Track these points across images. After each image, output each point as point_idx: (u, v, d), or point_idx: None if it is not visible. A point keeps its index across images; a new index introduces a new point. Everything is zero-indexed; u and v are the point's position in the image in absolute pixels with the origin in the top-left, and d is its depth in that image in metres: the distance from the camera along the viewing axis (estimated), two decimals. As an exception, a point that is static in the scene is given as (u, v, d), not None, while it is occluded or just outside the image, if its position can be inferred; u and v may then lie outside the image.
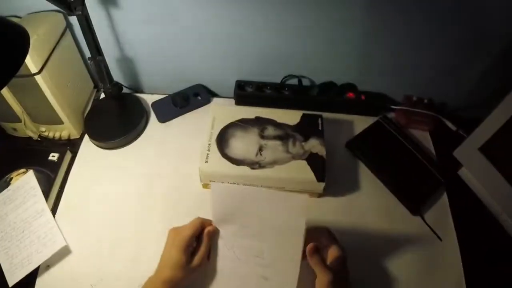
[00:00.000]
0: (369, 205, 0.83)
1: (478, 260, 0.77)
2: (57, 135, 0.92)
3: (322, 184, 0.78)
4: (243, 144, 0.81)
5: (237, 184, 0.78)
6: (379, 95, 0.98)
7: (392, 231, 0.80)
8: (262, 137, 0.82)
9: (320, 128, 0.84)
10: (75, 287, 0.73)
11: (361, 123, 0.95)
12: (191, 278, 0.65)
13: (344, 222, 0.80)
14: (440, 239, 0.79)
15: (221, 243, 0.68)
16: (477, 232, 0.81)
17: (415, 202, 0.82)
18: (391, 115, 0.96)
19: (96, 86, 1.04)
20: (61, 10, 0.73)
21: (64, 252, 0.75)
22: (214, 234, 0.68)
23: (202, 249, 0.66)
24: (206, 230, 0.67)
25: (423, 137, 0.94)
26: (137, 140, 0.93)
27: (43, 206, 0.79)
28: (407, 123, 0.94)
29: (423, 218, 0.81)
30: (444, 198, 0.85)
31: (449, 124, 0.93)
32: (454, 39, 0.84)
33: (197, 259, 0.65)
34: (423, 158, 0.88)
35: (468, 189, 0.86)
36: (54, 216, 0.79)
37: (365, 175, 0.88)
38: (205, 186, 0.84)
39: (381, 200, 0.84)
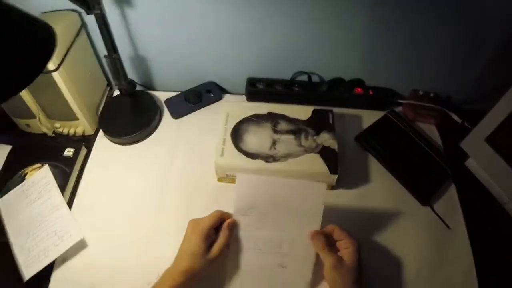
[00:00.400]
0: (379, 197, 0.85)
1: (487, 249, 0.79)
2: (71, 131, 0.93)
3: (335, 176, 0.80)
4: (257, 138, 0.83)
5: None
6: (387, 90, 1.01)
7: (403, 222, 0.82)
8: (275, 131, 0.84)
9: (331, 122, 0.86)
10: (91, 280, 0.74)
11: (369, 117, 0.97)
12: (209, 269, 0.66)
13: (356, 213, 0.83)
14: (449, 227, 0.81)
15: (240, 235, 0.70)
16: (485, 221, 0.83)
17: (424, 193, 0.84)
18: (399, 109, 0.98)
19: (109, 84, 1.06)
20: (78, 8, 0.75)
21: (80, 246, 0.77)
22: (234, 226, 0.70)
23: (221, 239, 0.67)
24: (226, 222, 0.69)
25: (430, 130, 0.96)
26: (151, 136, 0.95)
27: (59, 200, 0.81)
28: (414, 116, 0.96)
29: (432, 208, 0.83)
30: (452, 188, 0.86)
31: (455, 117, 0.95)
32: (456, 35, 0.86)
33: (215, 249, 0.66)
34: (431, 150, 0.90)
35: (475, 180, 0.87)
36: (70, 210, 0.81)
37: (375, 167, 0.90)
38: (220, 180, 0.86)
39: (391, 192, 0.86)
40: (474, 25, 0.84)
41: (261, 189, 0.69)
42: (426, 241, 0.79)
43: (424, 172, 0.87)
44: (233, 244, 0.70)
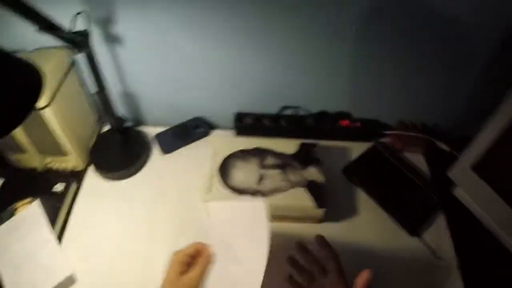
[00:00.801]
0: (368, 229, 0.85)
1: (478, 278, 0.78)
2: (62, 166, 0.94)
3: (322, 211, 0.80)
4: (244, 174, 0.84)
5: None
6: (373, 121, 1.02)
7: (392, 254, 0.81)
8: (263, 166, 0.85)
9: (317, 156, 0.87)
10: None
11: (356, 149, 0.97)
12: None
13: (344, 246, 0.78)
14: (437, 257, 0.80)
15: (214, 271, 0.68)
16: (476, 251, 0.83)
17: (413, 224, 0.84)
18: (386, 139, 0.99)
19: (100, 119, 1.07)
20: (68, 46, 0.76)
21: (69, 282, 0.76)
22: (210, 260, 0.68)
23: (195, 269, 0.66)
24: (203, 256, 0.68)
25: (418, 159, 0.97)
26: (141, 171, 0.96)
27: (49, 235, 0.81)
28: (401, 146, 0.97)
29: (421, 239, 0.83)
30: (441, 218, 0.86)
31: (442, 146, 0.96)
32: (440, 65, 0.88)
33: (186, 276, 0.65)
34: (418, 180, 0.90)
35: (465, 208, 0.87)
36: (60, 245, 0.81)
37: (363, 199, 0.90)
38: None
39: (380, 224, 0.86)
40: (456, 55, 0.85)
41: (235, 218, 0.69)
42: (416, 273, 0.79)
43: (412, 203, 0.87)
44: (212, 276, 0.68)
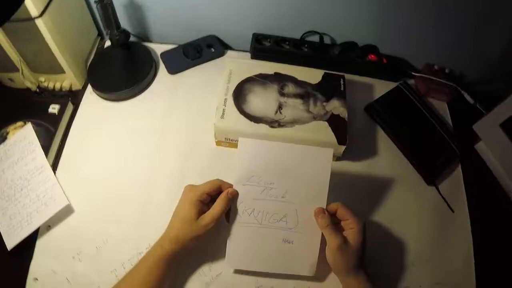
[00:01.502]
0: (385, 172, 0.81)
1: (487, 235, 0.77)
2: (57, 85, 0.85)
3: (343, 147, 0.75)
4: (262, 100, 0.77)
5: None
6: (401, 60, 0.95)
7: (406, 200, 0.79)
8: (282, 94, 0.78)
9: (342, 88, 0.80)
10: (78, 249, 0.69)
11: (380, 87, 0.91)
12: (198, 237, 0.61)
13: (360, 187, 0.79)
14: (453, 211, 0.78)
15: (241, 207, 0.64)
16: (488, 208, 0.81)
17: (431, 173, 0.81)
18: (411, 81, 0.93)
19: (100, 34, 0.97)
20: None
21: (66, 212, 0.71)
22: (234, 196, 0.64)
23: (216, 208, 0.62)
24: (225, 191, 0.63)
25: (441, 107, 0.92)
26: (144, 92, 0.87)
27: (43, 162, 0.74)
28: (426, 91, 0.91)
29: (438, 189, 0.80)
30: (459, 170, 0.84)
31: (467, 97, 0.90)
32: (477, 12, 0.81)
33: (207, 217, 0.61)
34: (441, 128, 0.85)
35: (483, 164, 0.85)
36: (55, 173, 0.74)
37: (383, 140, 0.85)
38: (219, 143, 0.80)
39: (398, 168, 0.82)
40: (494, 4, 0.78)
41: (265, 155, 0.64)
42: (428, 221, 0.77)
43: (432, 150, 0.83)
44: (232, 216, 0.65)
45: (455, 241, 0.75)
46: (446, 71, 0.92)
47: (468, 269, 0.73)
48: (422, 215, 0.77)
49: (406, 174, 0.82)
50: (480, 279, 0.72)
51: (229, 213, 0.64)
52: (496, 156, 0.82)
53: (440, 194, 0.80)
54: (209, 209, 0.62)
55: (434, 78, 0.91)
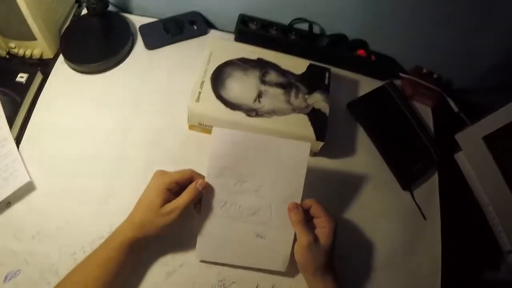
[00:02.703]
0: (362, 172, 0.79)
1: (456, 246, 0.76)
2: (28, 52, 0.79)
3: (321, 143, 0.72)
4: (241, 86, 0.73)
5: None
6: (390, 59, 0.92)
7: (380, 201, 0.77)
8: (263, 82, 0.74)
9: (326, 82, 0.77)
10: (38, 229, 0.65)
11: (366, 84, 0.88)
12: (161, 226, 0.58)
13: (335, 185, 0.77)
14: (425, 218, 0.78)
15: (213, 200, 0.62)
16: (460, 219, 0.80)
17: (407, 177, 0.80)
18: (398, 82, 0.90)
19: (78, 1, 0.90)
20: None
21: (27, 189, 0.67)
22: (203, 188, 0.60)
23: (182, 199, 0.59)
24: (195, 181, 0.60)
25: (425, 112, 0.90)
26: (118, 66, 0.82)
27: (6, 134, 0.69)
28: (412, 94, 0.89)
29: (412, 195, 0.79)
30: (435, 178, 0.82)
31: (452, 105, 0.88)
32: (473, 22, 0.79)
33: (170, 206, 0.58)
34: (422, 133, 0.84)
35: (460, 174, 0.83)
36: (18, 147, 0.70)
37: (363, 139, 0.83)
38: (192, 127, 0.76)
39: (374, 169, 0.80)
40: (490, 16, 0.76)
41: (240, 147, 0.60)
42: (400, 226, 0.76)
43: (411, 155, 0.81)
44: (204, 208, 0.62)
45: (424, 249, 0.75)
46: (435, 76, 0.90)
47: (434, 279, 0.72)
48: (394, 219, 0.77)
49: (382, 176, 0.80)
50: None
51: (201, 205, 0.62)
52: (475, 168, 0.81)
53: (414, 200, 0.78)
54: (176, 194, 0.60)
55: (422, 82, 0.88)
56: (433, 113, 0.90)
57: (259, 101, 0.72)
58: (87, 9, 0.80)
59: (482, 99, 0.89)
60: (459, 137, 0.81)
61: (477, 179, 0.81)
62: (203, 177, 0.62)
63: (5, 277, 0.61)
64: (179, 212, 0.58)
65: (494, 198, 0.79)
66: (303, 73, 0.76)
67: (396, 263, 0.72)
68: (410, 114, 0.85)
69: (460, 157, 0.83)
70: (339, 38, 0.86)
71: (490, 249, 0.81)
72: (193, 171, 0.62)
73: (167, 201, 0.59)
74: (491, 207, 0.80)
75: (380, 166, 0.81)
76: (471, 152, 0.81)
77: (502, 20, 0.77)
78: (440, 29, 0.82)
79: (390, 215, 0.76)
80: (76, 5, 0.90)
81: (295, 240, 0.62)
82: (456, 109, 0.87)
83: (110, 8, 0.84)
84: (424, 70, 0.90)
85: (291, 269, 0.66)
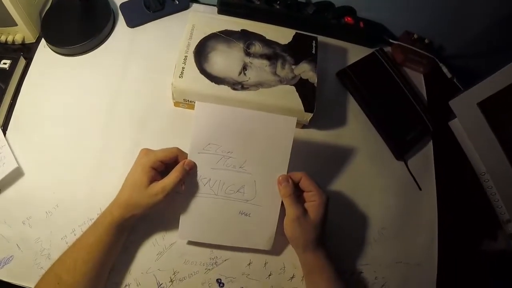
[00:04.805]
0: (353, 143, 0.78)
1: (453, 215, 0.76)
2: (9, 38, 0.77)
3: (310, 115, 0.70)
4: (225, 60, 0.70)
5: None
6: (378, 25, 0.89)
7: (373, 173, 0.76)
8: (248, 54, 0.71)
9: (313, 51, 0.74)
10: (28, 214, 0.65)
11: (355, 52, 0.86)
12: (148, 205, 0.57)
13: (325, 156, 0.76)
14: (420, 188, 0.76)
15: (196, 177, 0.60)
16: (456, 186, 0.79)
17: (400, 147, 0.78)
18: (388, 49, 0.88)
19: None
20: None
21: (16, 175, 0.67)
22: (190, 168, 0.59)
23: (169, 179, 0.58)
24: (182, 161, 0.59)
25: (417, 78, 0.88)
26: (101, 46, 0.80)
27: None
28: (403, 60, 0.86)
29: (406, 165, 0.77)
30: (430, 146, 0.81)
31: (445, 70, 0.86)
32: None
33: (157, 186, 0.57)
34: (415, 101, 0.81)
35: (455, 142, 0.82)
36: (4, 134, 0.69)
37: (353, 109, 0.81)
38: (177, 104, 0.74)
39: (366, 139, 0.79)
40: None
41: (224, 122, 0.59)
42: (394, 197, 0.76)
43: (404, 124, 0.79)
44: (187, 186, 0.60)
45: (420, 220, 0.74)
46: (426, 41, 0.87)
47: (430, 249, 0.72)
48: (388, 190, 0.76)
49: (375, 146, 0.78)
50: (442, 260, 0.71)
51: (183, 182, 0.60)
52: (470, 135, 0.79)
53: (409, 170, 0.77)
54: (161, 178, 0.58)
55: (412, 48, 0.85)
56: (426, 80, 0.88)
57: (244, 74, 0.69)
58: None
59: (475, 65, 0.86)
60: (453, 103, 0.79)
61: (473, 146, 0.80)
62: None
63: (-2, 264, 0.61)
64: (166, 193, 0.57)
65: (491, 166, 0.78)
66: (289, 43, 0.74)
67: (391, 235, 0.72)
68: (401, 81, 0.82)
69: (454, 124, 0.81)
70: (326, 6, 0.83)
71: (487, 218, 0.80)
72: (178, 149, 0.60)
73: (152, 180, 0.58)
74: (488, 175, 0.79)
75: (372, 137, 0.79)
76: (466, 119, 0.79)
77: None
78: None
79: (385, 187, 0.75)
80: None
81: (280, 218, 0.62)
82: (449, 75, 0.85)
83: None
84: (415, 36, 0.87)
85: (284, 246, 0.66)
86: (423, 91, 0.87)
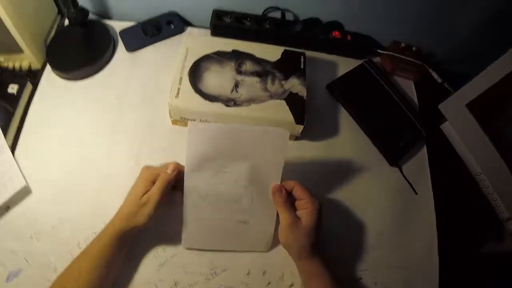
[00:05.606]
0: (346, 152, 0.80)
1: (451, 218, 0.76)
2: (16, 65, 0.82)
3: (301, 127, 0.73)
4: (218, 79, 0.74)
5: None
6: (366, 37, 0.92)
7: (369, 181, 0.77)
8: (239, 72, 0.75)
9: (302, 66, 0.77)
10: (36, 229, 0.68)
11: (345, 64, 0.88)
12: (143, 217, 0.60)
13: (320, 167, 0.77)
14: (416, 193, 0.77)
15: (194, 192, 0.63)
16: (453, 189, 0.80)
17: (394, 153, 0.80)
18: (377, 59, 0.90)
19: (60, 12, 0.92)
20: None
21: (24, 193, 0.70)
22: (172, 170, 0.62)
23: (154, 187, 0.61)
24: (164, 167, 0.63)
25: (407, 86, 0.90)
26: (103, 70, 0.84)
27: (1, 143, 0.72)
28: (392, 69, 0.89)
29: (401, 170, 0.79)
30: (424, 151, 0.82)
31: (435, 75, 0.88)
32: None
33: (145, 197, 0.60)
34: (406, 108, 0.84)
35: (448, 145, 0.83)
36: (13, 154, 0.73)
37: (345, 120, 0.83)
38: (175, 122, 0.77)
39: (360, 148, 0.81)
40: None
41: (217, 139, 0.61)
42: (391, 203, 0.76)
43: (397, 131, 0.81)
44: (186, 200, 0.63)
45: (418, 224, 0.75)
46: (413, 49, 0.90)
47: (430, 253, 0.72)
48: (384, 196, 0.76)
49: (368, 154, 0.80)
50: (442, 263, 0.71)
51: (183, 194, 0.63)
52: (462, 137, 0.80)
53: (403, 176, 0.78)
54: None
55: (401, 56, 0.88)
56: (416, 86, 0.90)
57: (236, 91, 0.73)
58: (68, 19, 0.83)
59: (465, 68, 0.87)
60: (443, 107, 0.81)
61: (465, 148, 0.80)
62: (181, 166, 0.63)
63: (7, 277, 0.63)
64: (155, 200, 0.59)
65: (485, 165, 0.79)
66: (278, 60, 0.77)
67: (389, 241, 0.72)
68: (392, 90, 0.85)
69: (446, 127, 0.83)
70: (313, 22, 0.87)
71: (486, 218, 0.80)
72: (177, 164, 0.63)
73: (146, 192, 0.61)
74: (484, 175, 0.79)
75: (365, 145, 0.81)
76: (457, 121, 0.80)
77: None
78: (415, 3, 0.82)
79: (381, 194, 0.76)
80: (59, 16, 0.92)
81: (277, 223, 0.64)
82: (439, 79, 0.87)
83: (91, 16, 0.86)
84: (402, 44, 0.90)
85: (282, 254, 0.67)
86: (415, 97, 0.88)
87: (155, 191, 0.60)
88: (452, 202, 0.78)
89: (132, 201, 0.61)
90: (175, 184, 0.63)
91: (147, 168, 0.64)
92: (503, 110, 0.76)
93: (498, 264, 0.79)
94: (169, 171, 0.62)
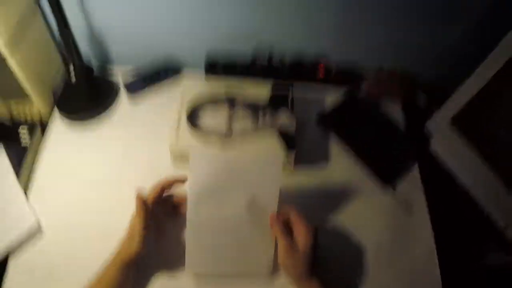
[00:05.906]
0: (341, 179, 0.82)
1: (449, 234, 0.77)
2: (28, 112, 0.89)
3: (292, 154, 0.77)
4: (213, 118, 0.81)
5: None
6: (352, 66, 0.95)
7: (364, 205, 0.80)
8: (232, 110, 0.82)
9: (290, 97, 0.83)
10: (48, 268, 0.72)
11: (332, 94, 0.93)
12: (137, 242, 0.64)
13: (315, 195, 0.80)
14: (410, 214, 0.79)
15: (195, 221, 0.67)
16: (448, 206, 0.82)
17: (388, 177, 0.81)
18: (363, 85, 0.94)
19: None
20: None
21: (37, 232, 0.75)
22: (140, 197, 0.67)
23: (134, 213, 0.66)
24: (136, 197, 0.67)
25: (395, 109, 0.92)
26: (108, 116, 0.91)
27: (15, 185, 0.77)
28: (378, 94, 0.92)
29: (394, 192, 0.81)
30: (416, 171, 0.84)
31: (422, 97, 0.91)
32: (428, 14, 0.84)
33: (131, 224, 0.67)
34: (395, 131, 0.87)
35: (438, 161, 0.84)
36: (25, 195, 0.78)
37: (336, 147, 0.86)
38: (175, 158, 0.83)
39: (353, 174, 0.83)
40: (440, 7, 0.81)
41: (216, 169, 0.66)
42: (387, 226, 0.78)
43: (387, 154, 0.84)
44: (188, 228, 0.67)
45: (417, 244, 0.76)
46: (398, 73, 0.93)
47: (432, 272, 0.73)
48: (380, 220, 0.78)
49: (362, 179, 0.82)
50: (445, 279, 0.72)
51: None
52: (451, 152, 0.83)
53: (396, 197, 0.80)
54: (163, 211, 0.70)
55: (386, 81, 0.92)
56: (404, 108, 0.92)
57: (231, 128, 0.79)
58: (75, 76, 0.88)
59: (451, 86, 0.90)
60: (429, 124, 0.84)
61: (455, 162, 0.82)
62: (174, 181, 0.70)
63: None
64: (140, 227, 0.64)
65: (476, 177, 0.79)
66: (268, 95, 0.83)
67: (390, 263, 0.74)
68: (379, 114, 0.88)
69: (435, 145, 0.85)
70: (298, 63, 0.93)
71: (486, 230, 0.80)
72: (164, 181, 0.69)
73: (148, 218, 0.66)
74: (476, 188, 0.80)
75: (358, 170, 0.83)
76: (443, 138, 0.83)
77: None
78: (395, 26, 0.86)
79: (376, 215, 0.78)
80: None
81: (277, 246, 0.66)
82: (425, 101, 0.90)
83: (93, 61, 0.94)
84: (387, 69, 0.93)
85: (283, 279, 0.70)
86: (402, 119, 0.90)
87: (135, 215, 0.65)
88: (448, 218, 0.79)
89: (127, 230, 0.67)
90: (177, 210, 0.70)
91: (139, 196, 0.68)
92: (487, 121, 0.77)
93: (499, 275, 0.80)
94: (137, 199, 0.66)
